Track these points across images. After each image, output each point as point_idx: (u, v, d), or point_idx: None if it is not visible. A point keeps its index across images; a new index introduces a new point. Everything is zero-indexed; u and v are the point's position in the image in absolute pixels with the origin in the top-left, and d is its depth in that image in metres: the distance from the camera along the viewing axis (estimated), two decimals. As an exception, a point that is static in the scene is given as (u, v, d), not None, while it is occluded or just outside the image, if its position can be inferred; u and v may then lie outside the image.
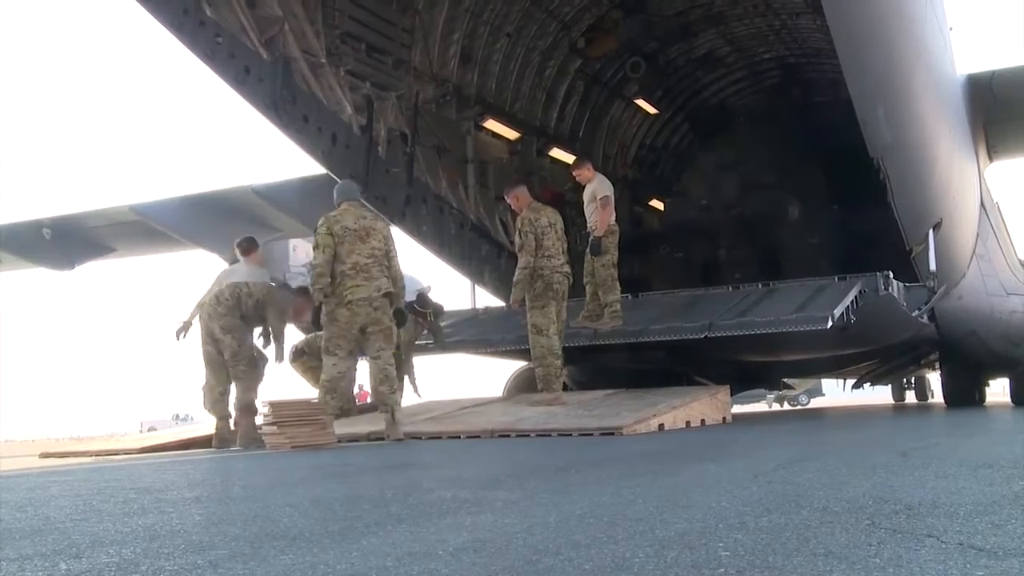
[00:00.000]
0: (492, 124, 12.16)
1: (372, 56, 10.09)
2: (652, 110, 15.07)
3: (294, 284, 9.66)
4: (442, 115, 11.42)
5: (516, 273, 8.30)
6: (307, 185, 12.33)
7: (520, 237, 8.27)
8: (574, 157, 9.65)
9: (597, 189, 8.89)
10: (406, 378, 8.78)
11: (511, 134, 12.54)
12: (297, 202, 12.71)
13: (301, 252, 16.27)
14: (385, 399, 6.97)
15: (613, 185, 14.85)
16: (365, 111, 10.11)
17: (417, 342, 9.68)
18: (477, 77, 11.78)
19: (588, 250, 8.89)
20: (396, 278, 7.20)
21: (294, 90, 9.21)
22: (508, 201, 8.92)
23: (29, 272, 16.02)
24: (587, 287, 8.98)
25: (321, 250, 6.93)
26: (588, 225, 9.01)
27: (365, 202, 9.48)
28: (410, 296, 8.74)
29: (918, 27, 7.78)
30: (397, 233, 11.20)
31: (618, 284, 8.94)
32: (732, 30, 13.96)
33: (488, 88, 11.99)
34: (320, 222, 7.10)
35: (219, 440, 7.35)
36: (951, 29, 9.05)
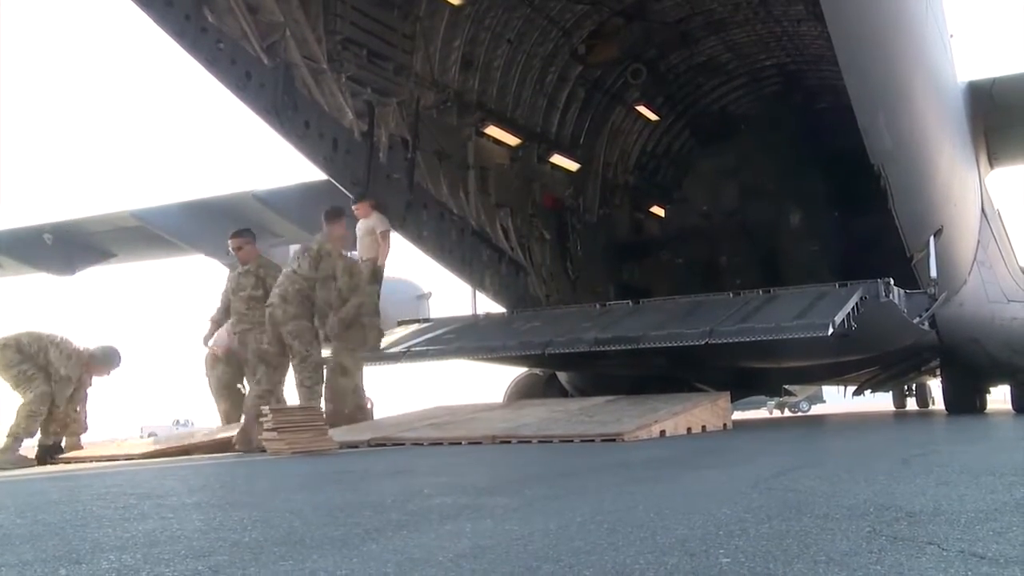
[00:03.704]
0: (493, 130, 12.16)
1: (373, 62, 10.11)
2: (653, 116, 15.07)
3: None
4: (443, 121, 11.42)
5: (347, 310, 8.15)
6: (308, 191, 12.35)
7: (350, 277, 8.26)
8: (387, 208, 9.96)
9: (376, 224, 9.30)
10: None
11: (512, 140, 12.54)
12: (298, 208, 12.74)
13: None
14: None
15: (614, 191, 15.07)
16: (366, 117, 10.13)
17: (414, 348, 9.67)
18: (478, 83, 11.79)
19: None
20: None
21: (295, 96, 9.23)
22: (355, 212, 9.31)
23: (30, 277, 16.04)
24: None
25: None
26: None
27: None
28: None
29: (919, 34, 7.80)
30: (397, 239, 11.25)
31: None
32: (733, 37, 13.97)
33: (489, 94, 12.01)
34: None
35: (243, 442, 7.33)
36: (952, 36, 9.08)
